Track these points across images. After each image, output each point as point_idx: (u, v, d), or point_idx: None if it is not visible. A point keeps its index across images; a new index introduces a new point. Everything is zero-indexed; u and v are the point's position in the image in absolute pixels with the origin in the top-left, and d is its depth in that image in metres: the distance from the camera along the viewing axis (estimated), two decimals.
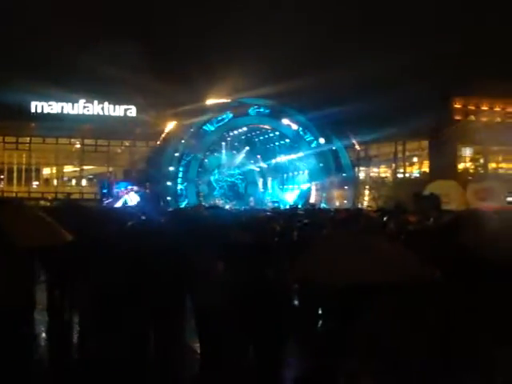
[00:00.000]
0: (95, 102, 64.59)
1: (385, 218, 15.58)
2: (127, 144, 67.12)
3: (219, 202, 50.55)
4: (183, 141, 52.79)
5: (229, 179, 57.73)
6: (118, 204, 45.38)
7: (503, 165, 70.51)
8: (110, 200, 49.37)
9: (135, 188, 51.95)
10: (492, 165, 69.40)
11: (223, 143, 55.92)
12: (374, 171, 72.16)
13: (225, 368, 7.51)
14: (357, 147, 61.01)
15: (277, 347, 7.45)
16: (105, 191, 53.17)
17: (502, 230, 5.39)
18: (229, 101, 53.77)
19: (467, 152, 69.47)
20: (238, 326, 7.13)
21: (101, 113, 64.78)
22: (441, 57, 67.62)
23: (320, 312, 9.27)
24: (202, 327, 8.60)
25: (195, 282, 8.27)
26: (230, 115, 52.15)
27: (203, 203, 43.19)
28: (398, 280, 4.64)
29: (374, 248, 5.32)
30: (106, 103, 64.86)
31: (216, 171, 57.18)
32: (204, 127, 52.51)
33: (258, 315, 6.92)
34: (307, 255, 5.59)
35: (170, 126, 56.74)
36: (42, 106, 63.85)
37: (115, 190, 52.01)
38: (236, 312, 6.88)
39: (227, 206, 45.83)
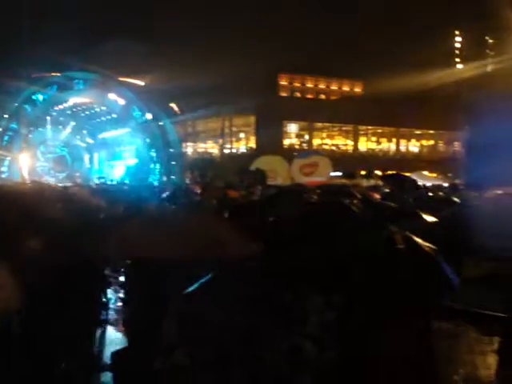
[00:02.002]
0: None
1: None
2: None
3: (44, 177, 49.20)
4: (6, 116, 50.83)
5: (54, 155, 56.29)
6: None
7: (327, 141, 72.81)
8: None
9: None
10: (316, 141, 71.47)
11: (48, 118, 54.36)
12: (202, 146, 72.53)
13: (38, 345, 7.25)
14: (184, 123, 60.97)
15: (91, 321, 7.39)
16: None
17: (315, 206, 5.48)
18: (53, 75, 52.23)
19: (292, 128, 71.16)
20: (56, 302, 6.89)
21: None
22: (267, 34, 68.66)
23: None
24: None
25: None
26: (55, 89, 50.67)
27: (27, 179, 41.88)
28: (214, 255, 4.62)
29: (186, 223, 5.30)
30: None
31: (41, 147, 55.58)
32: (28, 102, 50.77)
33: (74, 291, 6.73)
34: (120, 231, 5.50)
35: None
36: None
37: None
38: (53, 289, 6.64)
39: (51, 182, 44.56)
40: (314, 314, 3.88)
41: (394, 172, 34.91)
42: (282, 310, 3.94)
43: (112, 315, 11.09)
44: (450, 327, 10.74)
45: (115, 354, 7.91)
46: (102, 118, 56.70)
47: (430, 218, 8.01)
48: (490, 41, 73.22)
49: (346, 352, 3.76)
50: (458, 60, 73.00)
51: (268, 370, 3.89)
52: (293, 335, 3.91)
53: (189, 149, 67.69)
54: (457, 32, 74.87)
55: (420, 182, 20.59)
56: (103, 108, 54.80)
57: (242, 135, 71.66)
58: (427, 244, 4.47)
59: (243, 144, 71.61)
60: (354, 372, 3.82)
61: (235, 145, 71.96)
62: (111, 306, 11.50)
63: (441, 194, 20.00)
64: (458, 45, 74.89)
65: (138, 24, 68.74)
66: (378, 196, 15.05)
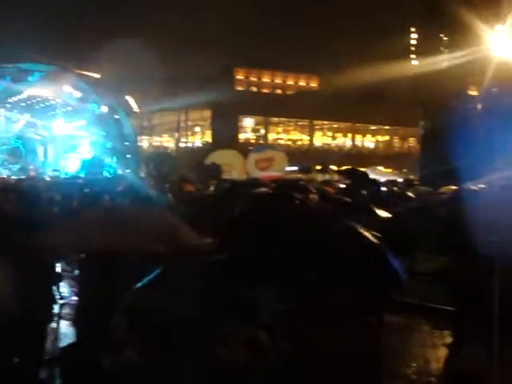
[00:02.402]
0: None
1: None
2: None
3: None
4: None
5: (8, 146, 55.50)
6: None
7: (283, 135, 72.92)
8: None
9: None
10: (272, 135, 71.54)
11: (1, 110, 53.55)
12: (157, 140, 72.15)
13: None
14: (140, 116, 60.54)
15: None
16: None
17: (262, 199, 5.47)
18: (7, 66, 51.48)
19: (248, 122, 71.13)
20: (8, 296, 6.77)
21: None
22: (224, 28, 68.55)
23: None
24: None
25: None
26: (9, 81, 49.92)
27: None
28: (167, 248, 4.58)
29: (139, 217, 5.26)
30: None
31: None
32: None
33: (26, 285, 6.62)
34: (74, 224, 5.45)
35: None
36: None
37: None
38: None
39: (5, 174, 44.01)
40: (265, 304, 3.87)
41: (351, 167, 35.15)
42: (235, 302, 3.91)
43: (66, 310, 10.98)
44: (402, 321, 10.84)
45: (63, 350, 7.83)
46: (57, 111, 56.00)
47: (383, 213, 8.06)
48: (445, 38, 73.85)
49: (299, 344, 3.75)
50: (413, 56, 73.37)
51: (221, 364, 3.85)
52: (247, 326, 3.89)
53: (144, 142, 67.21)
54: (412, 29, 75.28)
55: (375, 177, 20.74)
56: (58, 100, 54.12)
57: (197, 129, 71.47)
58: (374, 239, 4.47)
59: (199, 138, 71.42)
60: (306, 364, 3.81)
61: (191, 139, 71.73)
62: (65, 300, 11.38)
63: (395, 189, 20.18)
64: (413, 41, 75.29)
65: (95, 17, 68.17)
66: (332, 191, 15.13)
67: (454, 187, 21.83)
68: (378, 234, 4.80)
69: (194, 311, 3.92)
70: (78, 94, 52.31)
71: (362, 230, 4.41)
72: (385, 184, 23.07)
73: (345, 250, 4.08)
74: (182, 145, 70.13)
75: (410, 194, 16.48)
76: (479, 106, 52.66)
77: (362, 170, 30.51)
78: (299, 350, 3.76)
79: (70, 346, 7.81)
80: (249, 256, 4.06)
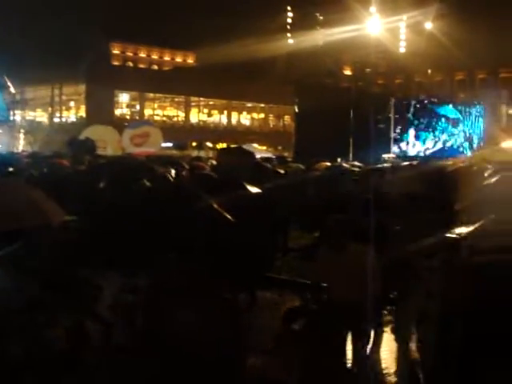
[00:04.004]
0: None
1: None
2: None
3: None
4: None
5: None
6: None
7: (159, 111, 72.43)
8: None
9: None
10: (148, 111, 70.94)
11: None
12: (31, 115, 70.25)
13: None
14: (12, 90, 58.75)
15: None
16: None
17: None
18: None
19: (124, 98, 70.27)
20: None
21: None
22: (100, 1, 67.25)
23: None
24: None
25: None
26: None
27: None
28: (28, 224, 4.41)
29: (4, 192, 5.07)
30: None
31: None
32: None
33: None
34: None
35: None
36: None
37: None
38: None
39: None
40: (109, 294, 3.78)
41: (232, 145, 35.32)
42: (73, 286, 3.80)
43: None
44: (275, 297, 10.94)
45: None
46: None
47: (254, 190, 8.08)
48: (321, 17, 74.82)
49: (151, 326, 3.66)
50: (288, 35, 74.17)
51: (46, 347, 3.74)
52: (78, 312, 3.78)
53: (17, 117, 65.20)
54: (288, 7, 75.94)
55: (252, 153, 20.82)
56: None
57: (72, 104, 70.02)
58: (229, 216, 4.44)
59: (73, 113, 70.00)
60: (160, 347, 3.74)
61: (65, 113, 70.23)
62: None
63: (269, 166, 20.30)
64: (289, 20, 76.02)
65: None
66: (206, 167, 15.11)
67: (326, 164, 22.27)
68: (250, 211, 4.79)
69: (26, 291, 3.79)
70: None
71: (220, 209, 4.37)
72: (259, 161, 23.18)
73: (202, 227, 4.03)
74: (55, 119, 68.53)
75: (282, 170, 16.64)
76: (352, 86, 53.79)
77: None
78: (152, 333, 3.69)
79: None
80: (102, 236, 3.96)
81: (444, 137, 48.15)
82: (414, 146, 46.93)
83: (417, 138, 47.29)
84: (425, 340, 6.08)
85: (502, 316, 3.22)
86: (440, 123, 48.09)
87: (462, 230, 5.78)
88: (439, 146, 47.50)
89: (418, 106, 48.18)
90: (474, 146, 48.20)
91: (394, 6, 61.20)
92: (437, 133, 47.86)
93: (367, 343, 6.71)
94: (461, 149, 47.65)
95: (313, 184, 10.55)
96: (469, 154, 44.08)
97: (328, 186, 8.30)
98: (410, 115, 47.13)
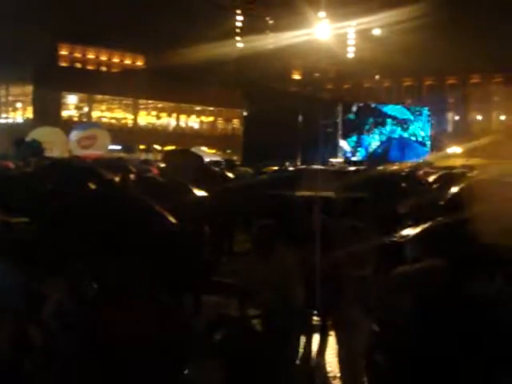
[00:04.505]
0: None
1: None
2: None
3: None
4: None
5: None
6: None
7: (107, 113, 71.90)
8: None
9: None
10: (96, 113, 70.40)
11: None
12: None
13: None
14: None
15: None
16: None
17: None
18: None
19: (72, 99, 69.60)
20: None
21: None
22: (48, 2, 66.55)
23: None
24: None
25: None
26: None
27: None
28: None
29: None
30: None
31: None
32: None
33: None
34: None
35: None
36: None
37: None
38: None
39: None
40: (52, 301, 3.76)
41: (178, 148, 35.24)
42: (17, 292, 3.79)
43: None
44: (220, 301, 10.96)
45: None
46: None
47: (200, 193, 8.12)
48: (270, 21, 75.20)
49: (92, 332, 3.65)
50: (238, 39, 74.38)
51: None
52: (20, 319, 3.76)
53: None
54: (238, 11, 76.19)
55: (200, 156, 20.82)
56: None
57: (18, 105, 69.14)
58: (172, 220, 4.45)
59: (20, 114, 69.11)
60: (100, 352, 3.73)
61: (12, 114, 69.33)
62: None
63: (217, 169, 20.36)
64: (239, 24, 76.28)
65: None
66: (155, 171, 15.10)
67: (274, 168, 22.41)
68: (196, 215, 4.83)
69: None
70: None
71: (163, 212, 4.39)
72: (208, 164, 23.23)
73: (143, 232, 4.04)
74: (1, 121, 67.63)
75: (230, 174, 16.68)
76: (302, 90, 54.15)
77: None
78: (93, 338, 3.68)
79: None
80: (47, 240, 3.96)
81: (391, 140, 47.96)
82: (361, 149, 47.17)
83: (364, 141, 47.55)
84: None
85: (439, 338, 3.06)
86: (388, 127, 48.17)
87: (405, 233, 5.80)
88: (386, 149, 47.22)
89: (366, 110, 48.52)
90: (425, 150, 48.36)
91: (343, 12, 61.70)
92: (384, 136, 47.94)
93: (294, 350, 6.68)
94: (411, 153, 47.06)
95: (259, 188, 10.62)
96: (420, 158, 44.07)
97: (272, 189, 8.34)
98: (357, 119, 47.44)
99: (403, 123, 49.05)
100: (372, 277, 5.75)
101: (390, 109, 49.62)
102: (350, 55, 68.85)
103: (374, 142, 47.93)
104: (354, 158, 43.44)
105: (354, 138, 47.39)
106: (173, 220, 4.33)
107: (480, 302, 3.16)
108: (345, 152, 46.46)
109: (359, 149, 47.40)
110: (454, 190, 7.30)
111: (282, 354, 6.08)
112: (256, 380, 5.61)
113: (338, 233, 6.65)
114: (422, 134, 49.93)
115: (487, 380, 3.10)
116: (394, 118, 48.64)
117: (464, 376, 3.08)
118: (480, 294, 3.21)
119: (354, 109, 47.89)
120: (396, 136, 48.42)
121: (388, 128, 48.56)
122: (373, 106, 50.30)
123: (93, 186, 5.89)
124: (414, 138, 49.05)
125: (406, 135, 49.03)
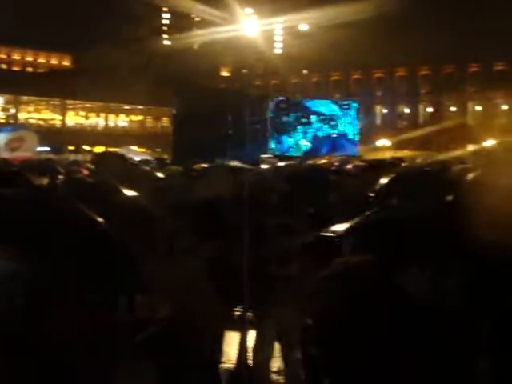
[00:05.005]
0: None
1: None
2: None
3: None
4: None
5: None
6: None
7: (34, 115, 70.92)
8: None
9: None
10: (23, 115, 69.36)
11: None
12: None
13: None
14: None
15: None
16: None
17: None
18: None
19: None
20: None
21: None
22: None
23: None
24: None
25: None
26: None
27: None
28: None
29: None
30: None
31: None
32: None
33: None
34: None
35: None
36: None
37: None
38: None
39: None
40: None
41: (110, 148, 34.92)
42: None
43: None
44: (154, 301, 10.88)
45: None
46: None
47: (130, 193, 8.03)
48: (197, 19, 75.15)
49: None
50: (165, 36, 74.15)
51: None
52: None
53: None
54: (165, 9, 75.91)
55: (129, 157, 20.62)
56: None
57: None
58: (100, 220, 4.40)
59: None
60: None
61: None
62: None
63: (147, 168, 20.20)
64: (165, 21, 76.03)
65: None
66: (84, 171, 14.89)
67: (204, 165, 22.33)
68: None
69: None
70: None
71: (90, 213, 4.33)
72: (137, 164, 23.01)
73: (72, 232, 3.99)
74: None
75: (160, 173, 16.58)
76: (230, 86, 54.20)
77: (116, 150, 30.36)
78: (22, 339, 3.64)
79: None
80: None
81: (322, 134, 46.87)
82: (290, 144, 46.83)
83: (292, 136, 47.13)
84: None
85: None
86: (316, 121, 47.37)
87: (335, 228, 5.79)
88: (316, 143, 46.60)
89: (293, 105, 48.31)
90: (355, 144, 48.12)
91: (270, 8, 62.07)
92: (313, 131, 47.15)
93: (217, 349, 6.63)
94: (341, 146, 46.21)
95: (188, 186, 10.57)
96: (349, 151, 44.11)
97: (196, 188, 8.28)
98: (285, 115, 47.13)
99: (330, 120, 47.92)
100: (300, 274, 5.72)
101: (315, 104, 48.78)
102: (278, 51, 69.30)
103: (299, 140, 46.75)
104: (287, 152, 43.01)
105: (275, 136, 46.19)
106: (100, 220, 4.28)
107: (408, 293, 3.20)
108: (276, 147, 46.10)
109: (289, 143, 46.76)
110: (384, 181, 7.35)
111: (202, 354, 6.04)
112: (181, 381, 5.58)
113: (266, 231, 6.60)
114: (351, 130, 48.47)
115: (418, 371, 3.15)
116: (320, 114, 47.67)
117: (395, 367, 3.12)
118: (409, 286, 3.24)
119: (272, 106, 46.43)
120: (324, 135, 47.35)
121: (314, 125, 47.38)
122: (295, 100, 49.71)
123: (19, 189, 5.80)
124: (343, 136, 47.99)
125: (334, 133, 47.69)
